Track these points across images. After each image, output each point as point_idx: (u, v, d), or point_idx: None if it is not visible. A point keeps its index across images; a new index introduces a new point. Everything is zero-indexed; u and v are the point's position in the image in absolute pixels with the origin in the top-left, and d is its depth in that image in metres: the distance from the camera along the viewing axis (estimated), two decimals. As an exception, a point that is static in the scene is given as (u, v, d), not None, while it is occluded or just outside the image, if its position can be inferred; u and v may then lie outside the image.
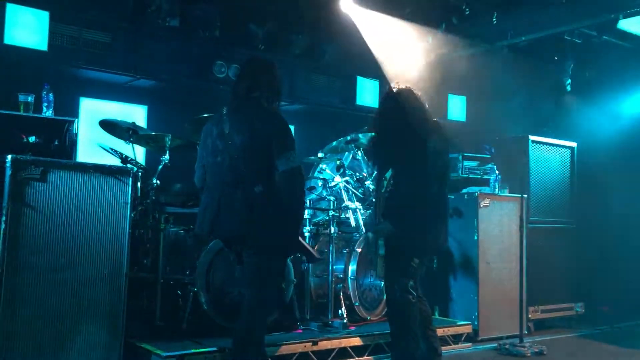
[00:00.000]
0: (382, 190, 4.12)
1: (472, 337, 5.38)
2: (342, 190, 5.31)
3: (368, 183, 5.46)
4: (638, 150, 7.47)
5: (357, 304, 5.01)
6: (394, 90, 4.30)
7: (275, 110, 3.70)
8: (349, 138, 5.46)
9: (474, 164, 7.20)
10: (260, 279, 3.57)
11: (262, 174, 3.54)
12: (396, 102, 4.24)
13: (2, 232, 3.44)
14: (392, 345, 4.30)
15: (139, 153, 4.95)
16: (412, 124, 4.16)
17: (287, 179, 3.52)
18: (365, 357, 4.65)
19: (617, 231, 7.44)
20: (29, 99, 4.85)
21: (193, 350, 3.93)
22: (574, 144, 6.59)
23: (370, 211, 5.32)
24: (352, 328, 4.82)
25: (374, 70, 7.40)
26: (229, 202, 3.54)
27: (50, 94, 4.86)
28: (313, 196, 5.33)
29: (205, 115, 4.77)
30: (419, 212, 4.06)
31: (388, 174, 4.12)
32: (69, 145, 4.91)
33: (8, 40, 5.20)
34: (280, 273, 3.97)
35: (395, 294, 4.11)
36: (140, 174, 4.61)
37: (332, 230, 5.00)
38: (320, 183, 5.38)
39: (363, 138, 5.44)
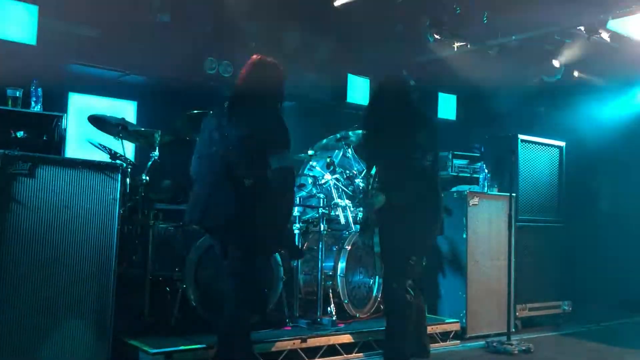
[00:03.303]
0: (369, 188, 4.13)
1: (460, 335, 5.40)
2: (332, 188, 5.31)
3: (358, 181, 5.46)
4: (625, 150, 7.54)
5: (346, 301, 5.02)
6: (384, 84, 4.32)
7: (275, 109, 3.75)
8: (339, 135, 5.47)
9: (463, 162, 7.26)
10: (242, 272, 3.59)
11: (254, 168, 3.57)
12: (385, 96, 4.26)
13: (-11, 227, 3.41)
14: (385, 343, 4.31)
15: (128, 149, 4.92)
16: (401, 118, 4.18)
17: (278, 176, 3.58)
18: (353, 355, 4.66)
19: (604, 230, 7.51)
20: (17, 93, 4.82)
21: (181, 347, 3.92)
22: (562, 144, 6.62)
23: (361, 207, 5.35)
24: (341, 325, 4.82)
25: (365, 67, 7.41)
26: (219, 192, 3.59)
27: (39, 89, 4.83)
28: (303, 193, 5.33)
29: (195, 111, 4.76)
30: (412, 208, 4.07)
31: (373, 171, 4.14)
32: (58, 140, 4.90)
33: (-4, 34, 5.16)
34: (264, 267, 3.99)
35: (393, 293, 4.13)
36: (129, 170, 4.60)
37: (322, 228, 5.00)
38: (310, 180, 5.38)
39: (353, 136, 5.46)
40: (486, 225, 5.70)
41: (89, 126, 4.84)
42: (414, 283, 4.21)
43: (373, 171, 4.20)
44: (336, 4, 6.30)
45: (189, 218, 3.77)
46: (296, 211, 5.06)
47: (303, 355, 4.39)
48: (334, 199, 5.28)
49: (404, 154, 4.07)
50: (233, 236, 3.62)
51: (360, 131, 5.40)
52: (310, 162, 5.49)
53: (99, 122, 4.79)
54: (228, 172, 3.59)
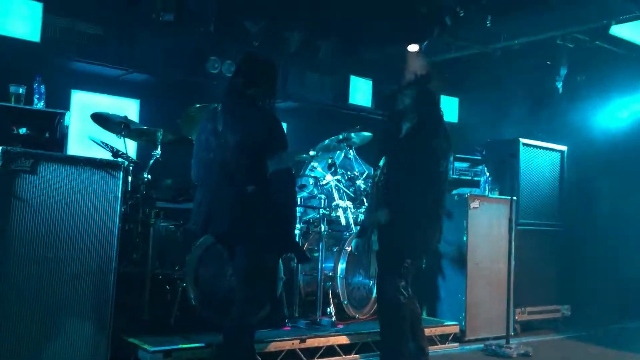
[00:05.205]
0: (376, 180, 4.07)
1: (459, 338, 5.41)
2: (333, 189, 5.32)
3: (359, 182, 5.47)
4: (627, 155, 7.53)
5: (345, 302, 5.02)
6: (413, 84, 4.27)
7: (269, 109, 3.70)
8: (341, 137, 5.47)
9: (465, 165, 7.26)
10: (252, 276, 3.58)
11: (254, 173, 3.53)
12: (414, 95, 4.21)
13: (-10, 223, 3.42)
14: (381, 344, 4.31)
15: (130, 147, 4.93)
16: (422, 121, 4.14)
17: (278, 178, 3.52)
18: (352, 356, 4.67)
19: (604, 234, 7.50)
20: (20, 90, 4.83)
21: (181, 346, 3.93)
22: (564, 148, 6.62)
23: (362, 209, 5.35)
24: (340, 326, 4.83)
25: (367, 69, 7.42)
26: (221, 200, 3.54)
27: (42, 86, 4.84)
28: (304, 194, 5.34)
29: (198, 105, 4.76)
30: (416, 212, 4.05)
31: (381, 162, 4.08)
32: (60, 137, 4.90)
33: (0, 30, 5.16)
34: (272, 270, 3.98)
35: (387, 294, 4.11)
36: (131, 168, 4.59)
37: (323, 229, 5.00)
38: (311, 181, 5.39)
39: (355, 137, 5.47)
40: (487, 229, 5.70)
41: (92, 124, 4.83)
42: (408, 284, 4.18)
43: (381, 162, 4.08)
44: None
45: (193, 227, 3.76)
46: (297, 212, 5.07)
47: (302, 355, 4.40)
48: (334, 200, 5.28)
49: (423, 160, 4.04)
50: (239, 241, 3.60)
51: (363, 133, 5.43)
52: (312, 163, 5.49)
53: (101, 119, 4.79)
54: (228, 180, 3.54)
